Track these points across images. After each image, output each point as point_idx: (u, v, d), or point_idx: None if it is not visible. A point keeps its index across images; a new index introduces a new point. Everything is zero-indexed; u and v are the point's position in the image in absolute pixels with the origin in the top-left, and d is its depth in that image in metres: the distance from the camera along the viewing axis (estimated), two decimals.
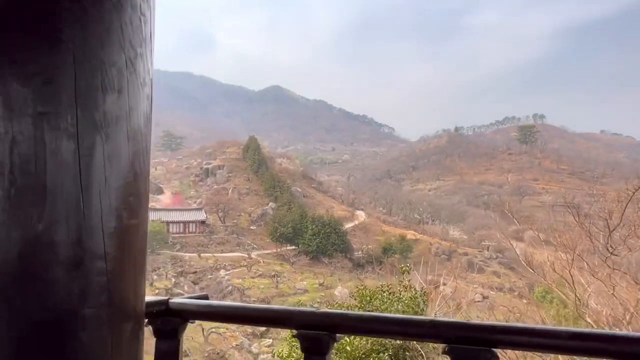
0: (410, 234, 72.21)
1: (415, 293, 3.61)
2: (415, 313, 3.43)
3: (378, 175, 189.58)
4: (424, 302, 3.58)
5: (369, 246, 63.03)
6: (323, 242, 56.86)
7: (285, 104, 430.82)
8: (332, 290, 44.16)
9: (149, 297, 1.71)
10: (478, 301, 40.75)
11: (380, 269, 57.20)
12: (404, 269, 3.76)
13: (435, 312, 4.04)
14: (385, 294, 3.69)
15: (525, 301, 52.91)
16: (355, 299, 3.99)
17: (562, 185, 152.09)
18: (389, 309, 3.45)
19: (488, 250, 74.55)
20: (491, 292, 51.74)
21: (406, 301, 3.52)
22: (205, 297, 2.05)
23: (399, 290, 3.77)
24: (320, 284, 45.28)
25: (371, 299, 3.66)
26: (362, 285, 4.20)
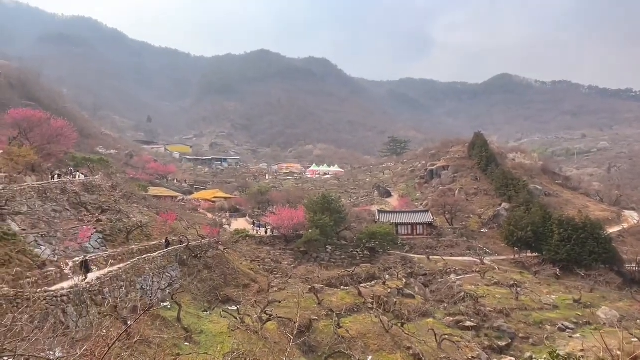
0: None
1: None
2: None
3: None
4: None
5: None
6: (576, 250, 46.99)
7: (516, 92, 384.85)
8: (594, 310, 35.74)
9: None
10: None
11: None
12: None
13: None
14: None
15: None
16: None
17: None
18: None
19: None
20: None
21: None
22: None
23: None
24: (576, 301, 37.34)
25: None
26: None
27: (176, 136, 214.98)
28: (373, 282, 39.40)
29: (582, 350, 28.55)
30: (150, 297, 22.71)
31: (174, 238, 33.69)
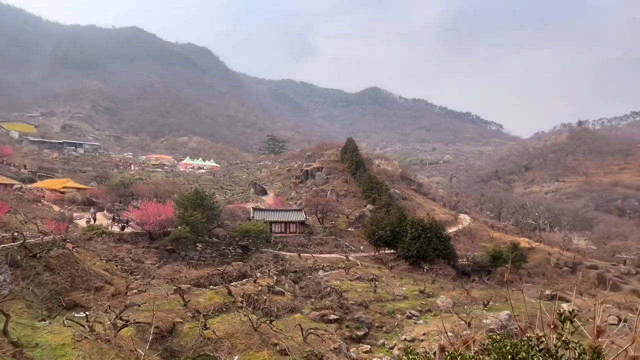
0: (523, 242, 64.98)
1: (582, 353, 2.42)
2: None
3: (484, 176, 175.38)
4: None
5: (475, 253, 58.23)
6: (424, 247, 54.12)
7: (384, 105, 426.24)
8: (434, 299, 41.57)
9: None
10: (612, 324, 34.50)
11: (488, 279, 52.51)
12: (564, 316, 2.58)
13: None
14: (535, 352, 2.57)
15: None
16: (487, 354, 2.91)
17: None
18: None
19: (625, 264, 63.29)
20: (630, 315, 43.49)
21: None
22: None
23: (555, 344, 2.62)
24: (421, 291, 42.94)
25: (514, 356, 2.57)
26: (498, 334, 3.06)
27: (16, 112, 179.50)
28: (244, 280, 38.92)
29: (424, 334, 32.97)
30: None
31: (4, 234, 27.92)
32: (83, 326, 20.62)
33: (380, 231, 56.05)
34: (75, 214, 54.04)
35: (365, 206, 73.30)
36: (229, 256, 48.12)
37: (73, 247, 32.90)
